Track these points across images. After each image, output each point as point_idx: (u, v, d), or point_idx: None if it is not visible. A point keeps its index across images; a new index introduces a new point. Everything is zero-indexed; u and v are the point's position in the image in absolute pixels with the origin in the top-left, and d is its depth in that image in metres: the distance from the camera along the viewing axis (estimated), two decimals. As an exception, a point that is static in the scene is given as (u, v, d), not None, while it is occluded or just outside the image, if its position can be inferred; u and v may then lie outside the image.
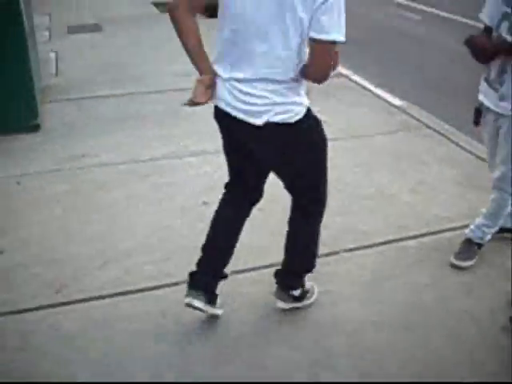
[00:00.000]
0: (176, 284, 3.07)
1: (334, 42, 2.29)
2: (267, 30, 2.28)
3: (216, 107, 2.53)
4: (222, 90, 2.45)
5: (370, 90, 6.25)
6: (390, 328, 2.83)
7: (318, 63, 2.36)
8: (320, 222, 2.88)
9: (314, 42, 2.27)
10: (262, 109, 2.40)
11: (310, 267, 2.95)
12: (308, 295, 3.03)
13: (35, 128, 5.05)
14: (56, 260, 3.34)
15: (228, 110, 2.46)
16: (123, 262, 3.31)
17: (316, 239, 2.90)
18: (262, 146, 2.55)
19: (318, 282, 3.15)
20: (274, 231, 3.37)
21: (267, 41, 2.30)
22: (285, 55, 2.32)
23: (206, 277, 2.78)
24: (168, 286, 3.10)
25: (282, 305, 2.97)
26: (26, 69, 4.98)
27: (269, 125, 2.41)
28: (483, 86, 3.11)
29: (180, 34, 2.39)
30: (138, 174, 4.29)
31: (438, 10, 11.31)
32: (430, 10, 11.52)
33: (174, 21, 2.38)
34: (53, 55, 7.37)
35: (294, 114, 2.45)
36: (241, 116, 2.44)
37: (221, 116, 2.53)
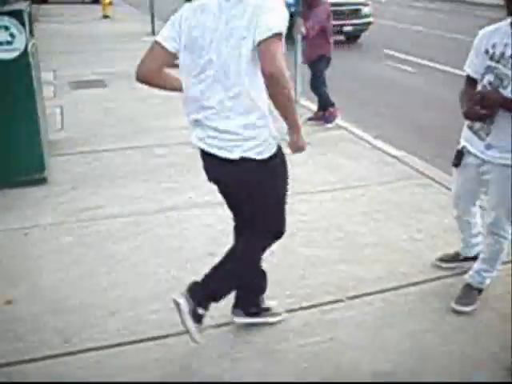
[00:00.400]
0: (183, 333, 3.12)
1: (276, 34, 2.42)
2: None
3: None
4: None
5: (367, 141, 6.41)
6: (393, 376, 2.87)
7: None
8: (259, 247, 3.04)
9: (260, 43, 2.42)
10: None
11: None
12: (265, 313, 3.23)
13: (42, 181, 5.16)
14: (65, 310, 3.40)
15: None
16: (131, 312, 3.37)
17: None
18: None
19: (322, 329, 3.22)
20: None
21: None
22: None
23: (203, 291, 2.87)
24: (175, 335, 3.15)
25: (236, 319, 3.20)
26: (34, 122, 5.12)
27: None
28: (467, 132, 3.30)
29: (163, 88, 2.81)
30: (145, 226, 4.38)
31: (433, 62, 11.64)
32: (424, 62, 11.86)
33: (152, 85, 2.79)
34: (58, 110, 7.56)
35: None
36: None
37: None
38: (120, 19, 19.47)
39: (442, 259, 3.85)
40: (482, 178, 3.27)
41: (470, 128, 3.25)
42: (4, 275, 3.78)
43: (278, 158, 2.78)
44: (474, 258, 3.62)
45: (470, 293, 3.40)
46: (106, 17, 19.94)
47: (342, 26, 13.80)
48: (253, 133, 2.64)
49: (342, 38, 14.19)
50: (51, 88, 8.74)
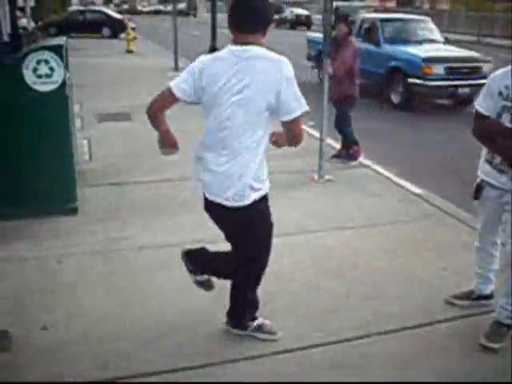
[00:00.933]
0: (219, 363, 3.21)
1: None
2: None
3: None
4: None
5: (390, 179, 6.51)
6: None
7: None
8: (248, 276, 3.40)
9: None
10: None
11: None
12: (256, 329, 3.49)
13: (73, 211, 5.29)
14: (99, 337, 3.48)
15: None
16: (167, 340, 3.45)
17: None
18: None
19: (351, 363, 3.27)
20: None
21: None
22: None
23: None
24: (213, 364, 3.25)
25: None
26: (68, 153, 5.29)
27: None
28: (485, 166, 3.46)
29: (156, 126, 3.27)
30: (176, 257, 4.44)
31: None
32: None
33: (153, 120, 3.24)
34: (85, 142, 7.75)
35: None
36: None
37: None
38: (143, 54, 19.92)
39: (455, 296, 3.91)
40: (504, 208, 3.41)
41: (490, 163, 3.39)
42: (39, 302, 3.87)
43: None
44: (488, 297, 3.69)
45: (499, 330, 3.45)
46: (129, 51, 20.42)
47: (456, 87, 11.05)
48: None
49: (451, 102, 11.95)
50: (78, 120, 8.95)
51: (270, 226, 3.33)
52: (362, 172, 6.82)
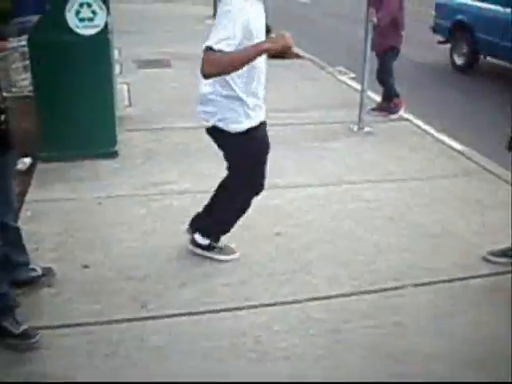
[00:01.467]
0: (254, 307, 3.28)
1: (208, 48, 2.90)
2: None
3: None
4: None
5: (431, 135, 6.41)
6: (456, 363, 2.95)
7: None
8: (227, 200, 3.64)
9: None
10: None
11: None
12: (216, 250, 3.77)
13: (113, 154, 5.36)
14: (138, 277, 3.59)
15: None
16: (201, 284, 3.53)
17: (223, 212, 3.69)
18: None
19: (385, 313, 3.31)
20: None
21: None
22: None
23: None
24: (246, 308, 3.31)
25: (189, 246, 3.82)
26: (109, 97, 5.33)
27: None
28: None
29: (231, 69, 3.05)
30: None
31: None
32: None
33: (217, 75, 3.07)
34: (125, 87, 7.77)
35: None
36: None
37: None
38: (182, 1, 19.65)
39: (492, 253, 3.89)
40: None
41: None
42: (80, 241, 3.99)
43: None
44: None
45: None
46: (169, -2, 20.13)
47: None
48: None
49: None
50: (117, 66, 8.97)
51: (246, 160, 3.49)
52: (403, 125, 6.71)
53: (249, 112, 3.31)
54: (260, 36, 3.18)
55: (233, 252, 3.82)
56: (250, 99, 3.30)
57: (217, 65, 2.97)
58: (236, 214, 3.69)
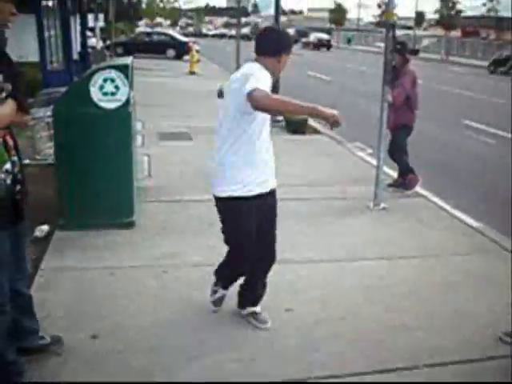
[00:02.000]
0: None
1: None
2: None
3: None
4: None
5: (446, 211, 6.41)
6: None
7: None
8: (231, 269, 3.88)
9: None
10: None
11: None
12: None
13: (130, 225, 5.42)
14: (146, 349, 3.55)
15: None
16: (211, 358, 3.49)
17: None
18: None
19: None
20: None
21: None
22: None
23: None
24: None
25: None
26: (128, 169, 5.44)
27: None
28: None
29: (282, 108, 3.47)
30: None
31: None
32: (503, 133, 11.78)
33: (269, 108, 3.29)
34: (146, 158, 7.94)
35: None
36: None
37: None
38: (206, 76, 20.28)
39: (507, 334, 3.80)
40: None
41: None
42: (91, 311, 3.98)
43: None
44: None
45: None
46: (192, 73, 20.86)
47: None
48: None
49: None
50: (139, 137, 9.19)
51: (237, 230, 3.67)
52: (419, 202, 6.74)
53: None
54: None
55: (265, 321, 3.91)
56: None
57: (273, 99, 3.24)
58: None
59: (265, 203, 3.63)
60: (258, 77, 3.28)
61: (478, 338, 3.83)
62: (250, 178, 3.50)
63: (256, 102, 3.15)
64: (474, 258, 5.23)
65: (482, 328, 3.96)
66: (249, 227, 3.61)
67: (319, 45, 51.51)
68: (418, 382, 2.74)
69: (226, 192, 3.54)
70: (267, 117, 3.53)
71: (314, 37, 54.50)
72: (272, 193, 3.68)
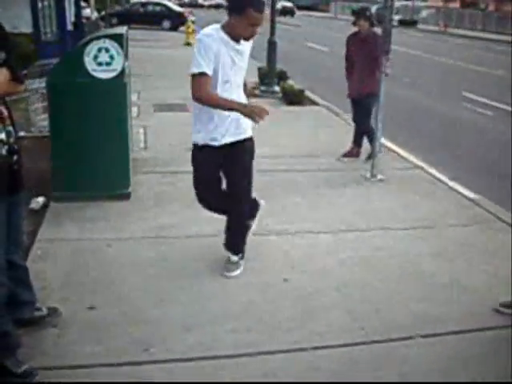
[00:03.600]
0: (258, 354, 3.23)
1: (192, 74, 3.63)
2: None
3: None
4: None
5: (444, 183, 6.39)
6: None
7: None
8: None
9: None
10: None
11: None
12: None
13: (127, 196, 5.40)
14: (143, 320, 3.56)
15: None
16: (207, 329, 3.49)
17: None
18: None
19: (393, 364, 3.24)
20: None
21: None
22: None
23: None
24: (250, 355, 3.26)
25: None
26: (124, 140, 5.40)
27: None
28: None
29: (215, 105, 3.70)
30: (219, 248, 4.47)
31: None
32: (502, 106, 11.72)
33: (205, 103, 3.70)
34: (142, 130, 7.88)
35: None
36: None
37: None
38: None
39: (503, 305, 3.82)
40: None
41: None
42: (88, 282, 3.98)
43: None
44: None
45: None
46: (187, 44, 20.60)
47: None
48: None
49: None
50: (135, 108, 9.11)
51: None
52: (416, 173, 6.71)
53: None
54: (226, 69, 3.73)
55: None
56: None
57: (205, 96, 3.69)
58: None
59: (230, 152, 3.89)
60: (195, 56, 3.63)
61: (475, 309, 3.84)
62: (213, 128, 3.82)
63: (192, 94, 3.68)
64: (472, 229, 5.23)
65: (478, 299, 3.97)
66: (207, 175, 4.01)
67: (285, 12, 56.73)
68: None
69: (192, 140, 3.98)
70: (229, 71, 3.75)
71: (280, 5, 58.53)
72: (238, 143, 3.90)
